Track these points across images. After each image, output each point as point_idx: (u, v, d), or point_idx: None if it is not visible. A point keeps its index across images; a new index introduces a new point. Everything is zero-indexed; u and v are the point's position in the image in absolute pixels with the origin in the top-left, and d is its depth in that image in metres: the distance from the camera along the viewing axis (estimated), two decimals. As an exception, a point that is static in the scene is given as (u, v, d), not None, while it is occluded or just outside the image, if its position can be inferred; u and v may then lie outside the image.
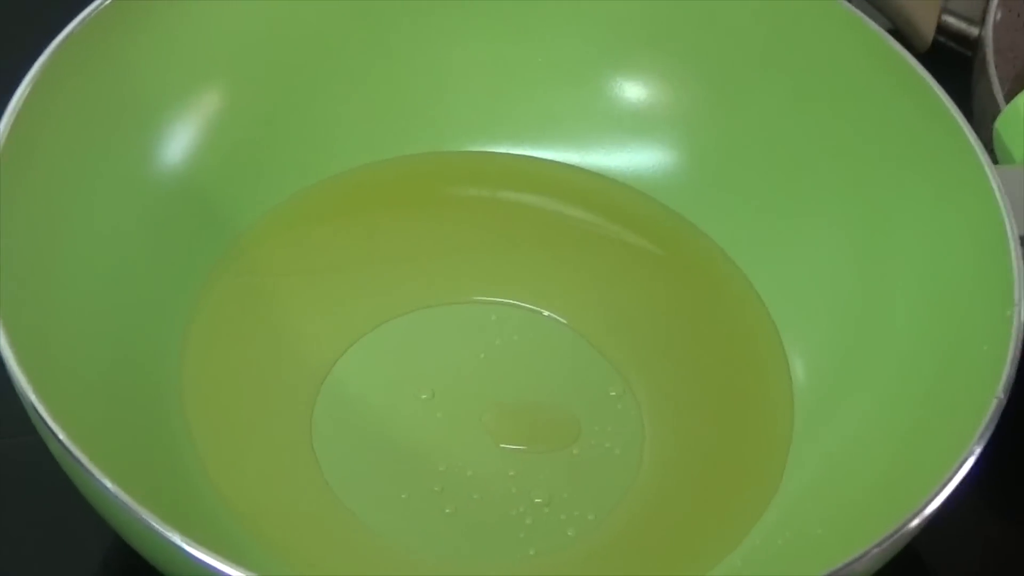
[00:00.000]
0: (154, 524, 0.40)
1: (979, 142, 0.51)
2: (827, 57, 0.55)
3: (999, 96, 0.58)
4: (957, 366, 0.48)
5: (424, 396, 0.52)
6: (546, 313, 0.54)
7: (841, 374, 0.52)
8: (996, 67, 0.59)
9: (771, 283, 0.55)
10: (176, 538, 0.40)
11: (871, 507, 0.46)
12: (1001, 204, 0.49)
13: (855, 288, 0.53)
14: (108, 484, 0.41)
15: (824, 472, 0.50)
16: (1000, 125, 0.53)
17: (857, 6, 0.55)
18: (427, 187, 0.58)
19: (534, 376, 0.53)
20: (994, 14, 0.61)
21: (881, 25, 0.54)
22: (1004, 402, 0.45)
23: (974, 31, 0.63)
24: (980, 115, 0.58)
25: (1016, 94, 0.54)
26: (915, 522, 0.43)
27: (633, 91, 0.58)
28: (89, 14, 0.50)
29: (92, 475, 0.41)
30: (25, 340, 0.44)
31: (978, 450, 0.44)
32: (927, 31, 0.64)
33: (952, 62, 0.63)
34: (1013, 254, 0.48)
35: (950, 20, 0.65)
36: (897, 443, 0.48)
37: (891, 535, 0.42)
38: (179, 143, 0.54)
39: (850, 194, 0.54)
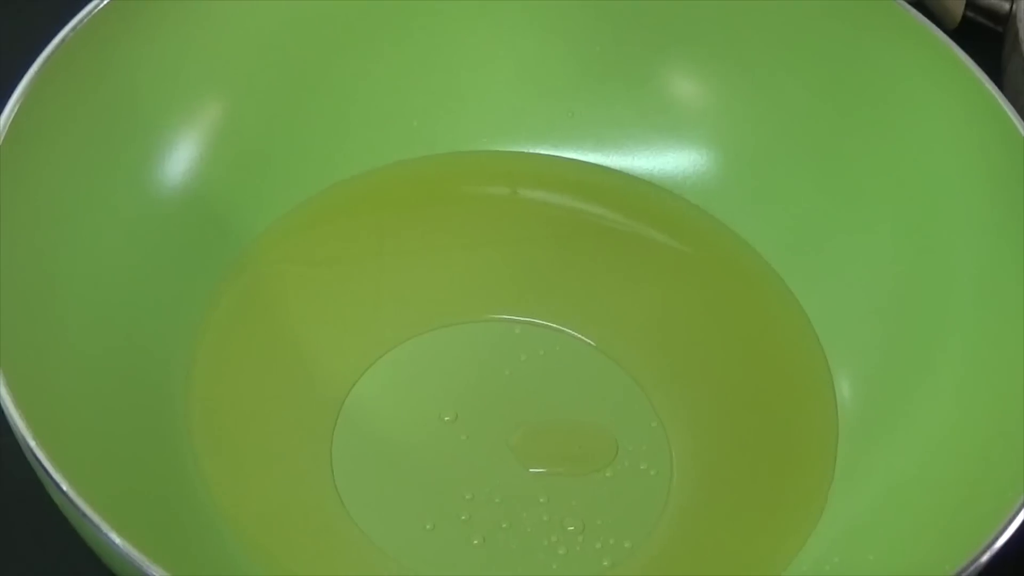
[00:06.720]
0: None
1: (1021, 121, 0.49)
2: (858, 42, 0.53)
3: (1032, 72, 0.56)
4: (1021, 381, 0.46)
5: (447, 418, 0.50)
6: (571, 332, 0.52)
7: (892, 393, 0.50)
8: (1029, 42, 0.58)
9: (814, 291, 0.52)
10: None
11: (930, 533, 0.45)
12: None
13: (906, 297, 0.51)
14: (116, 539, 0.39)
15: (876, 497, 0.47)
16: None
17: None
18: (442, 189, 0.56)
19: (563, 393, 0.51)
20: (1025, -13, 0.59)
21: (908, 1, 0.53)
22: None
23: (1005, 5, 0.62)
24: (1013, 92, 0.57)
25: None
26: (984, 558, 0.40)
27: (659, 87, 0.56)
28: (81, 20, 0.48)
29: (100, 529, 0.39)
30: (23, 364, 0.42)
31: (1050, 475, 0.42)
32: (956, 7, 0.62)
33: (983, 37, 0.61)
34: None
35: (979, -5, 0.63)
36: (958, 467, 0.46)
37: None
38: (182, 154, 0.52)
39: (894, 188, 0.52)
